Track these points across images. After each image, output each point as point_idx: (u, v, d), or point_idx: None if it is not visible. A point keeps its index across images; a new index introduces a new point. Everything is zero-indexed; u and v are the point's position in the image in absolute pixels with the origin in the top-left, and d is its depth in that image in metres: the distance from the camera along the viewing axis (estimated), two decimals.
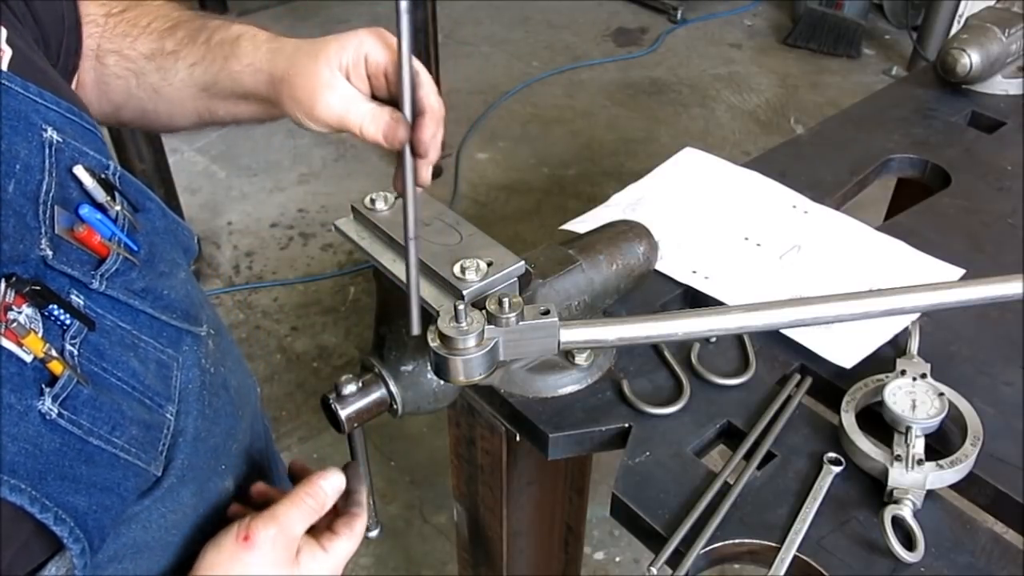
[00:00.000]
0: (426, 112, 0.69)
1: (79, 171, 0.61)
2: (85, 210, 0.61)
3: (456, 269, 0.81)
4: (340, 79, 0.70)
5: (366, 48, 0.70)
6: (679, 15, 3.96)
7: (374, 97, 0.72)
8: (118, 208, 0.63)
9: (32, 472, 0.52)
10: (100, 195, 0.62)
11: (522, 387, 0.99)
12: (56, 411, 0.53)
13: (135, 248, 0.64)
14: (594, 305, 1.01)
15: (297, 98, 0.70)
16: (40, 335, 0.54)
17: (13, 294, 0.53)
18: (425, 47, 2.66)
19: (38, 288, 0.54)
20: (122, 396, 0.59)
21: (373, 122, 0.68)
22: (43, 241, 0.57)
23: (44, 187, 0.58)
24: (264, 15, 4.00)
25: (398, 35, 0.62)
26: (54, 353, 0.54)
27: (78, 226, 0.59)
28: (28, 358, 0.53)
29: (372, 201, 0.95)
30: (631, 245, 1.04)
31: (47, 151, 0.60)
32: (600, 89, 3.53)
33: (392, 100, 0.71)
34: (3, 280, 0.53)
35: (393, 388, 0.87)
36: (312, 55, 0.70)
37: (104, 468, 0.57)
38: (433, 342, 0.77)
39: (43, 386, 0.53)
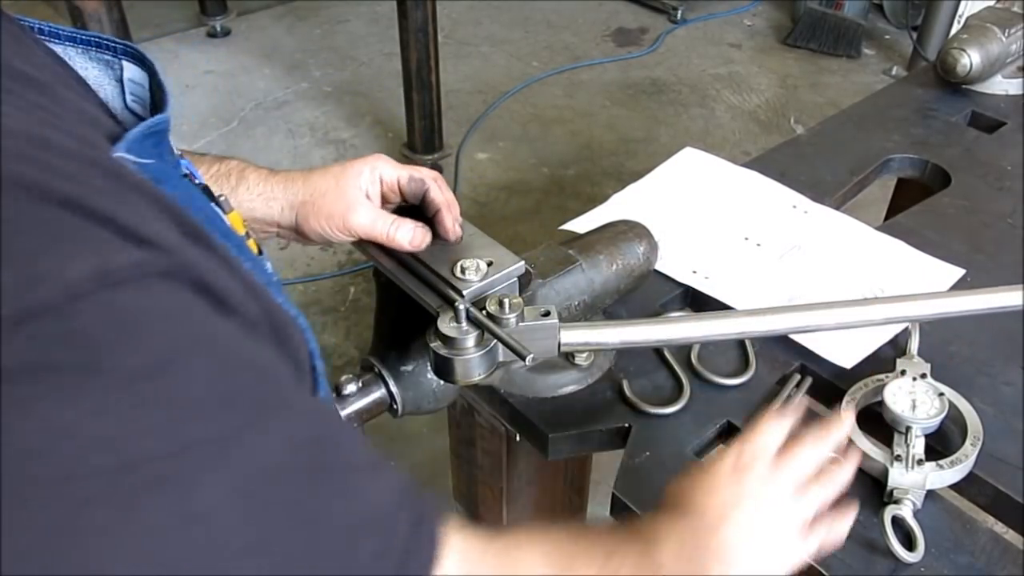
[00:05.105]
0: (440, 207, 0.84)
1: None
2: None
3: (456, 269, 0.81)
4: (363, 198, 0.84)
5: (379, 171, 0.85)
6: (679, 15, 3.95)
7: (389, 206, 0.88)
8: None
9: None
10: None
11: (522, 387, 0.99)
12: None
13: None
14: (594, 305, 1.00)
15: (329, 214, 0.83)
16: None
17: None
18: (425, 47, 2.66)
19: None
20: None
21: (399, 231, 0.83)
22: None
23: None
24: (264, 15, 4.00)
25: None
26: None
27: None
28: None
29: None
30: (631, 245, 1.04)
31: None
32: (600, 89, 3.52)
33: (406, 206, 0.87)
34: None
35: (393, 388, 0.87)
36: (336, 180, 0.84)
37: None
38: (433, 342, 0.77)
39: None
